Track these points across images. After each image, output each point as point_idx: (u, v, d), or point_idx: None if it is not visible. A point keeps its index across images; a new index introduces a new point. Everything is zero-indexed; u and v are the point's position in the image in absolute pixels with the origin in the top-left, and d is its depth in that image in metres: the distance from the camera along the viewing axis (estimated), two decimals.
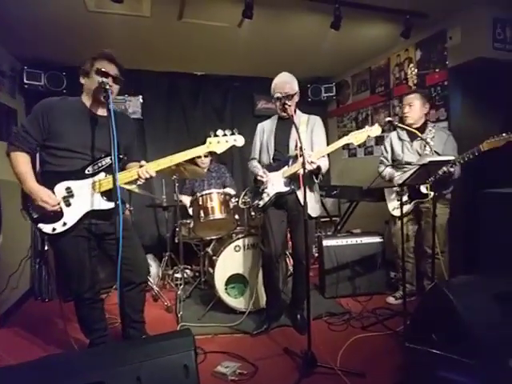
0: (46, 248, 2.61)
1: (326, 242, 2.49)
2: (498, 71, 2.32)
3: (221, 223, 2.29)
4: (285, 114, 1.84)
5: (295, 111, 1.97)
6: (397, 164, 2.25)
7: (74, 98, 1.58)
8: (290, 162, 1.88)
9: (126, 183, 1.57)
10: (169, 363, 0.96)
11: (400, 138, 2.27)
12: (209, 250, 2.48)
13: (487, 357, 1.05)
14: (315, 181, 1.88)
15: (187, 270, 2.93)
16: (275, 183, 1.90)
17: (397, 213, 2.24)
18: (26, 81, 2.80)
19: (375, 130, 1.78)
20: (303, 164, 1.54)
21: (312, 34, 2.59)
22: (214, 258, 2.24)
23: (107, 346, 1.53)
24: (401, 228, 1.89)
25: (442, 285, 1.31)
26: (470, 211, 2.28)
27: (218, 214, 2.23)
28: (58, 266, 2.60)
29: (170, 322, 2.18)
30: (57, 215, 1.47)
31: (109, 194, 1.49)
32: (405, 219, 2.11)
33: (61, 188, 1.48)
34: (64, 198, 1.48)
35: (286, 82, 1.89)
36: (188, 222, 2.57)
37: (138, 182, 1.55)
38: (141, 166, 1.53)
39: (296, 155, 1.84)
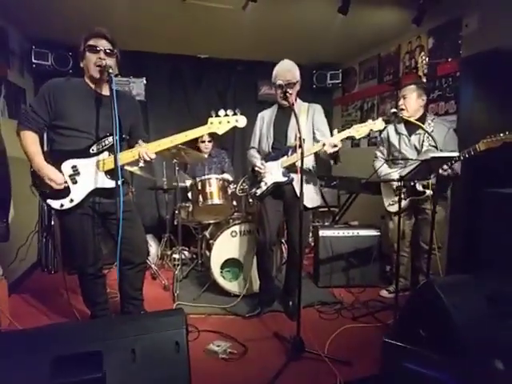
0: (52, 223, 2.73)
1: (322, 233, 2.52)
2: None
3: (218, 208, 2.33)
4: (285, 103, 1.81)
5: (296, 100, 1.95)
6: (392, 159, 2.21)
7: (78, 78, 1.61)
8: (290, 153, 1.88)
9: (127, 164, 1.60)
10: (162, 339, 1.02)
11: (397, 132, 2.21)
12: (206, 233, 2.53)
13: (473, 356, 1.07)
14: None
15: (185, 252, 3.00)
16: (273, 173, 1.91)
17: (392, 209, 2.24)
18: (34, 60, 2.82)
19: (378, 125, 1.75)
20: (301, 155, 1.54)
21: (319, 18, 2.50)
22: (211, 241, 2.29)
23: (106, 320, 1.62)
24: (398, 224, 1.90)
25: (434, 282, 1.32)
26: (471, 210, 2.26)
27: (216, 200, 2.27)
28: (63, 241, 2.72)
29: (166, 300, 2.26)
30: (64, 192, 1.53)
31: (112, 173, 1.53)
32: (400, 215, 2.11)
33: (67, 166, 1.53)
34: (70, 175, 1.54)
35: (288, 70, 1.86)
36: (187, 205, 2.61)
37: (140, 164, 1.58)
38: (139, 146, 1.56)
39: (295, 146, 1.83)
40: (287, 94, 1.74)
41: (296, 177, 1.83)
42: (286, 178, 1.89)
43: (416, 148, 2.14)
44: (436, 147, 1.98)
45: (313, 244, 2.73)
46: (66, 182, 1.52)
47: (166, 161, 2.78)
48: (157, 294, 2.35)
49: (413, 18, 2.26)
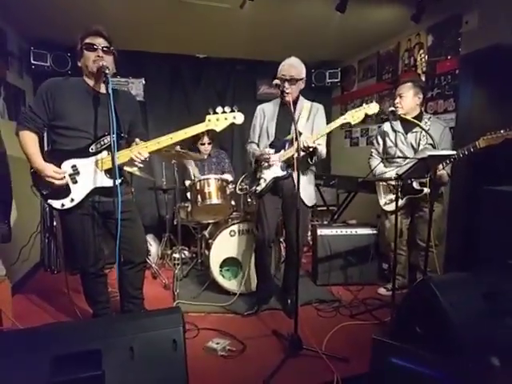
0: (54, 224, 2.75)
1: (320, 231, 2.53)
2: None
3: (217, 208, 2.34)
4: (287, 99, 1.79)
5: (298, 97, 1.94)
6: (387, 157, 2.20)
7: (76, 78, 1.61)
8: (287, 146, 1.87)
9: (126, 164, 1.61)
10: (159, 337, 1.04)
11: (394, 129, 2.20)
12: (205, 233, 2.56)
13: (470, 354, 1.08)
14: (310, 162, 1.85)
15: (185, 251, 3.02)
16: (272, 167, 1.90)
17: (388, 208, 2.24)
18: (32, 61, 2.82)
19: (373, 108, 1.73)
20: (297, 150, 1.54)
21: (317, 16, 2.49)
22: (210, 241, 2.31)
23: (104, 319, 1.64)
24: (395, 223, 1.90)
25: (431, 280, 1.33)
26: (469, 207, 2.26)
27: (214, 200, 2.28)
28: (65, 241, 2.74)
29: (167, 298, 2.29)
30: (65, 192, 1.54)
31: (112, 172, 1.53)
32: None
33: (67, 166, 1.54)
34: (70, 175, 1.55)
35: (293, 66, 1.85)
36: (186, 205, 2.63)
37: (139, 165, 1.58)
38: (136, 144, 1.57)
39: (292, 139, 1.82)
40: (284, 94, 1.75)
41: (295, 173, 1.83)
42: (285, 172, 1.89)
43: (413, 146, 2.13)
44: (433, 146, 1.97)
45: (311, 243, 2.74)
46: (66, 177, 1.52)
47: (165, 161, 2.80)
48: (157, 293, 2.37)
49: (412, 15, 2.24)
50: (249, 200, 2.36)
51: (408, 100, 2.09)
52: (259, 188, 1.94)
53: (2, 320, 1.75)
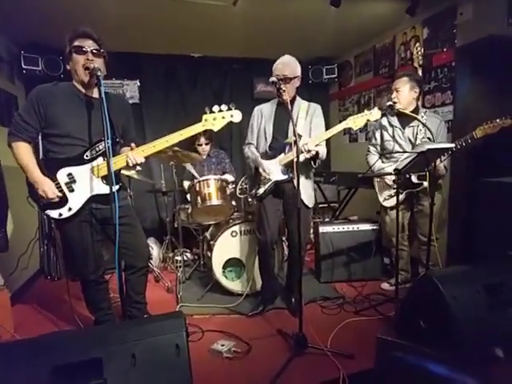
0: (52, 230, 2.72)
1: (322, 229, 2.52)
2: (511, 50, 2.18)
3: (218, 209, 2.33)
4: (284, 98, 1.77)
5: (295, 97, 1.92)
6: (386, 153, 2.19)
7: (66, 82, 1.57)
8: (287, 150, 1.86)
9: (123, 169, 1.59)
10: (162, 342, 1.02)
11: (391, 124, 2.19)
12: (207, 234, 2.54)
13: (473, 346, 1.07)
14: (313, 166, 1.85)
15: (187, 253, 3.01)
16: (273, 171, 1.89)
17: (388, 203, 2.23)
18: (24, 66, 2.77)
19: (375, 114, 1.74)
20: (297, 153, 1.53)
21: (311, 11, 2.47)
22: (212, 242, 2.30)
23: (105, 326, 1.63)
24: (396, 218, 1.88)
25: (433, 274, 1.33)
26: (469, 199, 2.25)
27: (214, 200, 2.27)
28: (64, 248, 2.71)
29: (170, 302, 2.28)
30: (62, 201, 1.51)
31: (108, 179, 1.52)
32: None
33: (63, 174, 1.51)
34: (67, 183, 1.52)
35: (287, 65, 1.83)
36: (187, 207, 2.61)
37: (137, 168, 1.56)
38: (131, 149, 1.53)
39: (291, 142, 1.81)
40: (281, 91, 1.73)
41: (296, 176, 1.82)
42: (286, 176, 1.87)
43: (410, 141, 2.12)
44: (431, 139, 1.97)
45: (313, 240, 2.73)
46: (59, 195, 1.49)
47: (163, 163, 2.78)
48: (160, 297, 2.36)
49: (407, 8, 2.24)
50: (249, 200, 2.34)
51: (405, 94, 2.08)
52: (260, 191, 1.93)
53: (1, 332, 1.71)
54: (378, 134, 2.27)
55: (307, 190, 1.93)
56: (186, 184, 2.83)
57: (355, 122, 1.75)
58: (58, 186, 1.52)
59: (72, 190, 1.53)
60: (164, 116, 3.38)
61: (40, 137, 1.57)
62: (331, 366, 1.49)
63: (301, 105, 1.92)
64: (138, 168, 1.57)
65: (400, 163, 1.96)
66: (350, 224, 2.55)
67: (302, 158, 1.69)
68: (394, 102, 2.09)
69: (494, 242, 1.75)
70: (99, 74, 1.37)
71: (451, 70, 2.43)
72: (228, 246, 2.27)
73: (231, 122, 1.51)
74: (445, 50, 2.46)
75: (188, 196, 2.52)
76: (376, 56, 3.20)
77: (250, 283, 2.25)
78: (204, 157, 2.87)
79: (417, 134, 2.08)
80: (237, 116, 1.50)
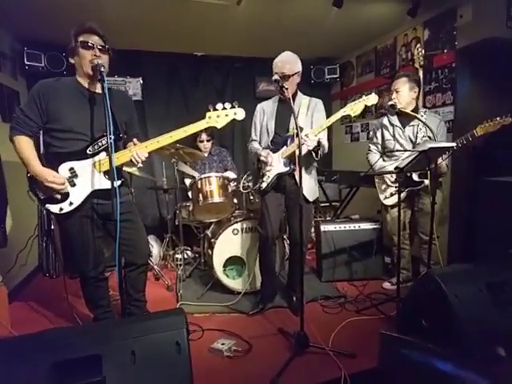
0: (52, 227, 2.70)
1: (323, 228, 2.51)
2: (510, 52, 2.20)
3: (219, 207, 2.32)
4: (286, 95, 1.77)
5: (296, 92, 1.92)
6: (387, 151, 2.19)
7: (68, 77, 1.57)
8: (288, 142, 1.86)
9: (125, 165, 1.58)
10: (162, 340, 1.01)
11: (391, 123, 2.20)
12: (208, 232, 2.52)
13: (476, 345, 1.06)
14: (315, 158, 1.85)
15: (188, 251, 3.00)
16: (275, 164, 1.90)
17: (388, 202, 2.24)
18: (26, 62, 2.78)
19: (371, 99, 1.73)
20: (299, 146, 1.52)
21: (314, 11, 2.47)
22: (213, 240, 2.28)
23: (104, 323, 1.61)
24: (398, 217, 1.87)
25: (434, 272, 1.32)
26: (470, 198, 2.25)
27: (216, 198, 2.25)
28: (64, 245, 2.71)
29: (170, 300, 2.26)
30: (63, 195, 1.50)
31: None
32: (397, 208, 2.09)
33: (64, 169, 1.50)
34: (68, 178, 1.51)
35: (286, 62, 1.83)
36: (188, 204, 2.60)
37: (139, 165, 1.55)
38: (134, 144, 1.53)
39: (293, 134, 1.81)
40: (283, 89, 1.72)
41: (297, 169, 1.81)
42: (288, 168, 1.87)
43: (411, 140, 2.13)
44: (431, 138, 1.97)
45: (315, 239, 2.72)
46: (66, 182, 1.48)
47: (165, 161, 2.77)
48: (160, 295, 2.35)
49: (408, 10, 2.25)
50: (251, 198, 2.34)
51: (404, 94, 2.10)
52: (263, 185, 1.93)
53: None
54: (379, 134, 2.28)
55: (309, 183, 1.92)
56: (188, 181, 2.83)
57: (353, 108, 1.74)
58: None
59: (74, 185, 1.52)
60: (166, 114, 3.38)
61: (41, 131, 1.56)
62: (332, 366, 1.48)
63: (302, 100, 1.92)
64: (140, 164, 1.56)
65: (401, 162, 1.96)
66: (352, 223, 2.54)
67: (304, 149, 1.68)
68: (395, 103, 2.09)
69: (494, 240, 1.75)
70: (102, 70, 1.37)
71: (452, 71, 2.45)
72: (229, 244, 2.26)
73: (234, 119, 1.52)
74: (445, 51, 2.48)
75: (189, 193, 2.51)
76: (377, 57, 3.21)
77: (251, 281, 2.23)
78: (206, 154, 2.86)
79: (417, 132, 2.09)
80: (240, 114, 1.51)
